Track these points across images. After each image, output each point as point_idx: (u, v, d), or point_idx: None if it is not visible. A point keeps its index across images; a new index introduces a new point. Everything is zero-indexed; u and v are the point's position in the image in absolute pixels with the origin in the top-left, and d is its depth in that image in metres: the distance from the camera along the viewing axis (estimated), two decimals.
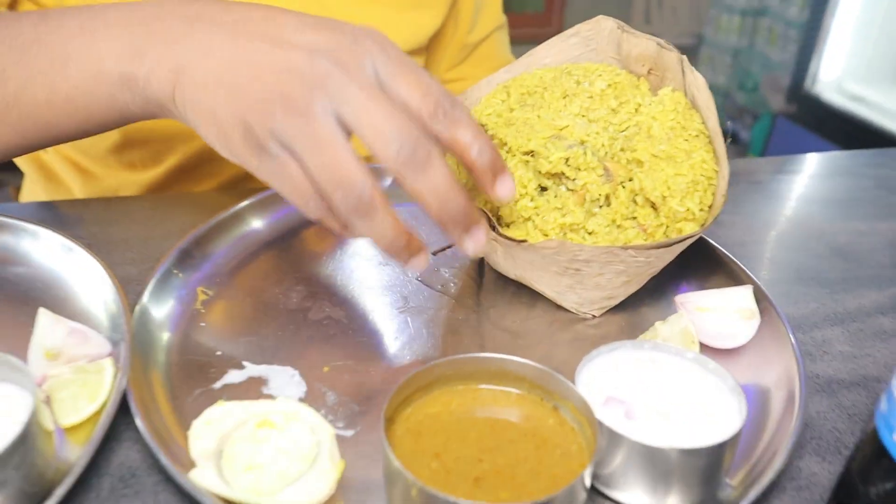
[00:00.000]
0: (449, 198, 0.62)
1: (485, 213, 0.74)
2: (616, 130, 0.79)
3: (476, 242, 0.66)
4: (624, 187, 0.76)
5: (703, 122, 0.79)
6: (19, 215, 0.82)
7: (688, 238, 0.73)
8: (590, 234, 0.75)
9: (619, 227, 0.75)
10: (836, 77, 3.35)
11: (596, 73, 0.83)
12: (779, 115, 3.48)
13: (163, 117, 0.70)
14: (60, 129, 0.74)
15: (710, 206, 0.76)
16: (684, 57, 0.80)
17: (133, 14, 0.69)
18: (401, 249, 0.65)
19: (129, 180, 1.11)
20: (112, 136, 1.04)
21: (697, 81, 0.79)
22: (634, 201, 0.76)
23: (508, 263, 0.78)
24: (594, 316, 0.79)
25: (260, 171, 0.63)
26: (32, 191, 1.21)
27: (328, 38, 0.63)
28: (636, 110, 0.80)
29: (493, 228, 0.74)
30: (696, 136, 0.78)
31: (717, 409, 0.60)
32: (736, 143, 0.86)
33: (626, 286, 0.77)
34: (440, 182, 0.61)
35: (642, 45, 0.83)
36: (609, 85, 0.82)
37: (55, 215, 0.96)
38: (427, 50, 1.17)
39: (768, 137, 3.45)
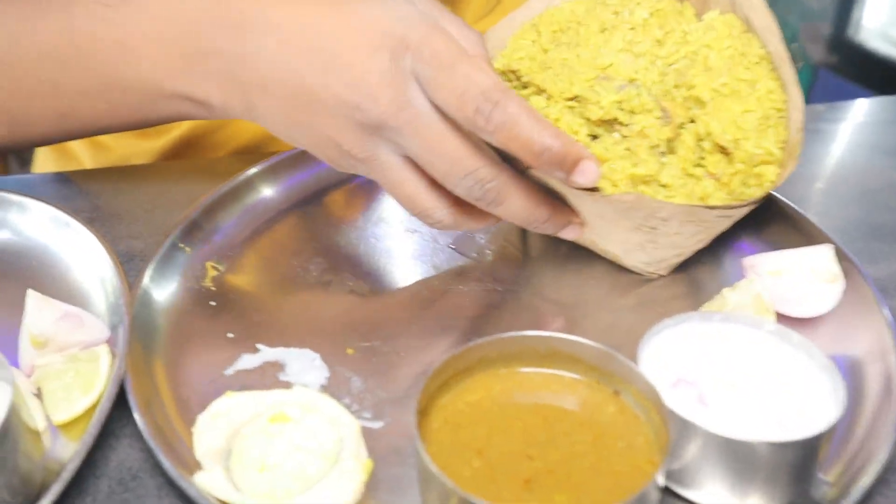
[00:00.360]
0: (533, 216, 0.63)
1: None
2: (665, 64, 0.70)
3: (571, 233, 0.67)
4: (685, 129, 0.67)
5: (763, 47, 0.70)
6: (15, 187, 0.74)
7: (770, 190, 0.64)
8: (663, 186, 0.66)
9: (691, 176, 0.67)
10: (881, 24, 3.20)
11: (634, 1, 0.73)
12: (820, 67, 3.34)
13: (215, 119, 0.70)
14: (103, 125, 0.74)
15: (784, 143, 0.66)
16: None
17: (169, 22, 0.66)
18: (544, 222, 0.64)
19: (141, 149, 1.04)
20: None
21: (752, 1, 0.70)
22: (700, 146, 0.67)
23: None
24: (661, 276, 0.71)
25: (363, 171, 0.64)
26: (44, 164, 1.16)
27: (387, 61, 0.60)
28: (684, 39, 0.71)
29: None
30: (758, 62, 0.69)
31: (806, 391, 0.51)
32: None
33: (699, 243, 0.69)
34: (518, 208, 0.62)
35: None
36: (651, 13, 0.72)
37: (56, 187, 0.89)
38: (452, 1, 1.10)
39: (810, 90, 3.32)
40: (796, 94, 0.66)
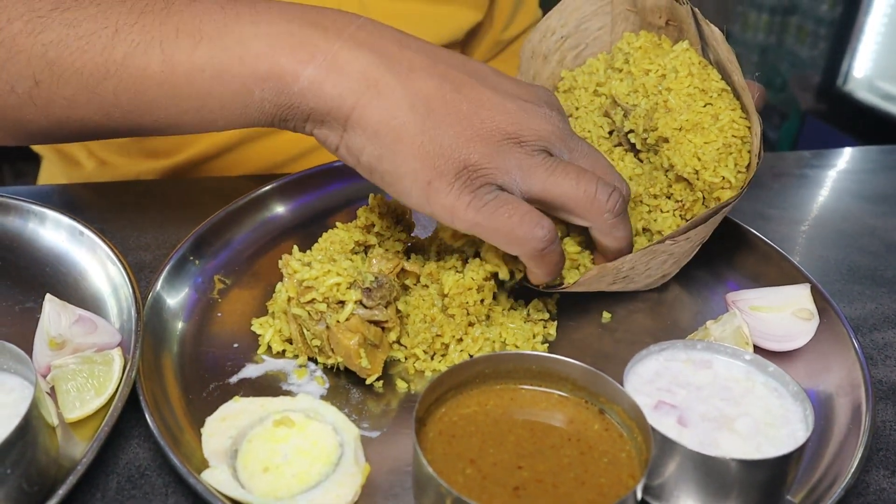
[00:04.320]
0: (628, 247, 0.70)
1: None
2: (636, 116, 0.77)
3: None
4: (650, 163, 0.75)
5: (725, 79, 0.74)
6: (28, 197, 0.77)
7: (724, 207, 0.69)
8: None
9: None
10: (868, 75, 3.27)
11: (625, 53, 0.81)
12: (808, 114, 3.40)
13: (279, 128, 0.64)
14: (154, 117, 0.64)
15: (746, 167, 0.71)
16: (696, 9, 0.75)
17: (288, 6, 0.62)
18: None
19: (148, 169, 1.06)
20: None
21: (714, 34, 0.74)
22: (667, 176, 0.74)
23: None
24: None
25: (475, 206, 0.60)
26: (50, 174, 1.18)
27: (529, 90, 0.65)
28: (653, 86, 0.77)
29: (524, 279, 0.69)
30: (719, 95, 0.73)
31: (778, 416, 0.55)
32: (765, 140, 0.82)
33: (676, 265, 0.74)
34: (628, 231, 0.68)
35: None
36: (636, 49, 0.80)
37: (68, 198, 0.92)
38: (462, 44, 1.14)
39: (797, 136, 3.38)
40: (756, 122, 0.70)
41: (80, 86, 0.62)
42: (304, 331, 0.62)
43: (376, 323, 0.63)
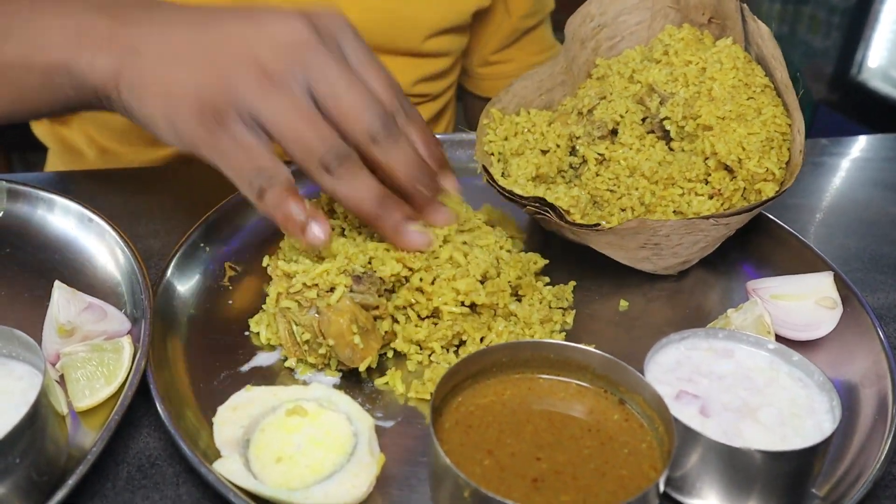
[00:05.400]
0: (419, 166, 0.63)
1: (546, 201, 0.69)
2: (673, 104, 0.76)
3: (445, 216, 0.66)
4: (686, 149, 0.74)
5: (768, 75, 0.75)
6: (37, 184, 0.76)
7: (769, 200, 0.69)
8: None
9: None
10: (882, 65, 3.23)
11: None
12: (821, 104, 3.37)
13: (97, 108, 0.67)
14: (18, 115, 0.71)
15: (786, 163, 0.71)
16: (744, 5, 0.76)
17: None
18: (389, 208, 0.63)
19: (150, 157, 1.06)
20: None
21: (761, 31, 0.74)
22: (706, 164, 0.73)
23: (582, 239, 0.73)
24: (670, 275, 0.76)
25: (210, 147, 0.60)
26: (55, 164, 1.17)
27: (300, 15, 0.62)
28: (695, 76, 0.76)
29: (561, 218, 0.69)
30: (762, 91, 0.74)
31: (804, 407, 0.53)
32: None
33: (703, 251, 0.73)
34: (410, 152, 0.63)
35: None
36: (679, 40, 0.80)
37: (76, 185, 0.91)
38: (472, 30, 1.12)
39: (810, 126, 3.35)
40: (799, 119, 0.71)
41: None
42: (294, 327, 0.61)
43: (368, 308, 0.61)
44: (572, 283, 0.73)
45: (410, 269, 0.64)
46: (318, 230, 0.60)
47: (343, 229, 0.68)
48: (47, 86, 0.66)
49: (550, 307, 0.69)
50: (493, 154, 0.78)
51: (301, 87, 0.59)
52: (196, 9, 0.64)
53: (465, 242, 0.67)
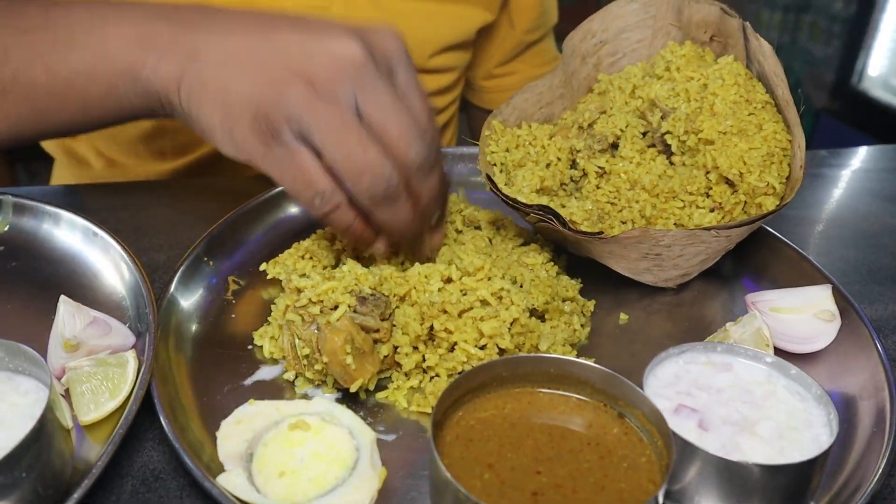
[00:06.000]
0: (443, 198, 0.69)
1: (550, 208, 0.69)
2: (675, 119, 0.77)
3: (427, 252, 0.71)
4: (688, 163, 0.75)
5: (769, 92, 0.76)
6: (42, 198, 0.77)
7: (770, 214, 0.70)
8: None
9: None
10: (883, 73, 3.24)
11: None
12: (822, 113, 3.37)
13: (160, 115, 0.68)
14: (54, 119, 0.71)
15: (786, 178, 0.72)
16: (747, 23, 0.77)
17: (146, 4, 0.67)
18: (418, 234, 0.67)
19: (157, 170, 1.07)
20: (145, 124, 1.01)
21: (763, 48, 0.75)
22: (707, 177, 0.74)
23: (583, 249, 0.74)
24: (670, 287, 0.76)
25: (266, 159, 0.61)
26: (62, 175, 1.18)
27: (357, 33, 0.62)
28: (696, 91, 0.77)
29: (564, 225, 0.69)
30: (763, 107, 0.75)
31: (802, 420, 0.54)
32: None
33: (703, 264, 0.74)
34: (437, 184, 0.66)
35: (704, 10, 0.80)
36: (680, 57, 0.81)
37: (81, 199, 0.92)
38: (476, 45, 1.13)
39: (811, 135, 3.36)
40: (800, 135, 0.72)
41: None
42: (296, 340, 0.62)
43: (367, 331, 0.62)
44: (593, 301, 0.73)
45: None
46: (381, 245, 0.67)
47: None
48: (112, 95, 0.67)
49: (575, 330, 0.69)
50: (495, 165, 0.79)
51: (349, 104, 0.60)
52: (257, 15, 0.65)
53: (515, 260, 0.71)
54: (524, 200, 0.71)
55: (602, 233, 0.69)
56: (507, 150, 0.80)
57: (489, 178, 0.75)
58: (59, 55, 0.67)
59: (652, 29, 0.83)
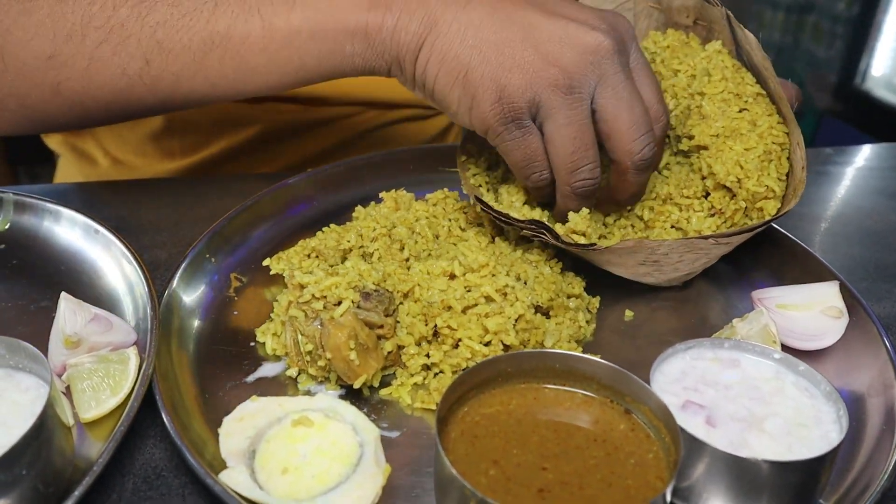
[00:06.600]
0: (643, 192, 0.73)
1: (543, 223, 0.68)
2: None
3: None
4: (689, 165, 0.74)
5: (759, 83, 0.74)
6: (43, 195, 0.77)
7: (769, 222, 0.69)
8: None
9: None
10: (886, 73, 3.23)
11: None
12: (825, 113, 3.37)
13: (381, 75, 0.68)
14: (259, 81, 0.69)
15: (787, 174, 0.71)
16: (730, 13, 0.75)
17: None
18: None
19: (164, 169, 1.06)
20: (154, 122, 1.00)
21: (749, 40, 0.74)
22: (704, 182, 0.73)
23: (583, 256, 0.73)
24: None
25: (500, 137, 0.65)
26: (66, 172, 1.17)
27: (602, 19, 0.64)
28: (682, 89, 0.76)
29: (557, 239, 0.68)
30: (755, 99, 0.73)
31: (810, 417, 0.53)
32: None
33: (704, 265, 0.73)
34: (646, 182, 0.70)
35: None
36: (664, 48, 0.80)
37: (83, 196, 0.91)
38: None
39: (814, 136, 3.35)
40: (797, 132, 0.70)
41: (188, 60, 0.68)
42: (299, 336, 0.61)
43: (371, 326, 0.61)
44: (598, 298, 0.73)
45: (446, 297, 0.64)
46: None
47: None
48: (336, 54, 0.67)
49: (580, 327, 0.69)
50: (480, 186, 0.77)
51: (588, 97, 0.63)
52: None
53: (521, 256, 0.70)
54: (516, 216, 0.70)
55: (595, 244, 0.68)
56: (489, 168, 0.79)
57: (478, 199, 0.72)
58: (280, 12, 0.66)
59: (633, 12, 0.81)
